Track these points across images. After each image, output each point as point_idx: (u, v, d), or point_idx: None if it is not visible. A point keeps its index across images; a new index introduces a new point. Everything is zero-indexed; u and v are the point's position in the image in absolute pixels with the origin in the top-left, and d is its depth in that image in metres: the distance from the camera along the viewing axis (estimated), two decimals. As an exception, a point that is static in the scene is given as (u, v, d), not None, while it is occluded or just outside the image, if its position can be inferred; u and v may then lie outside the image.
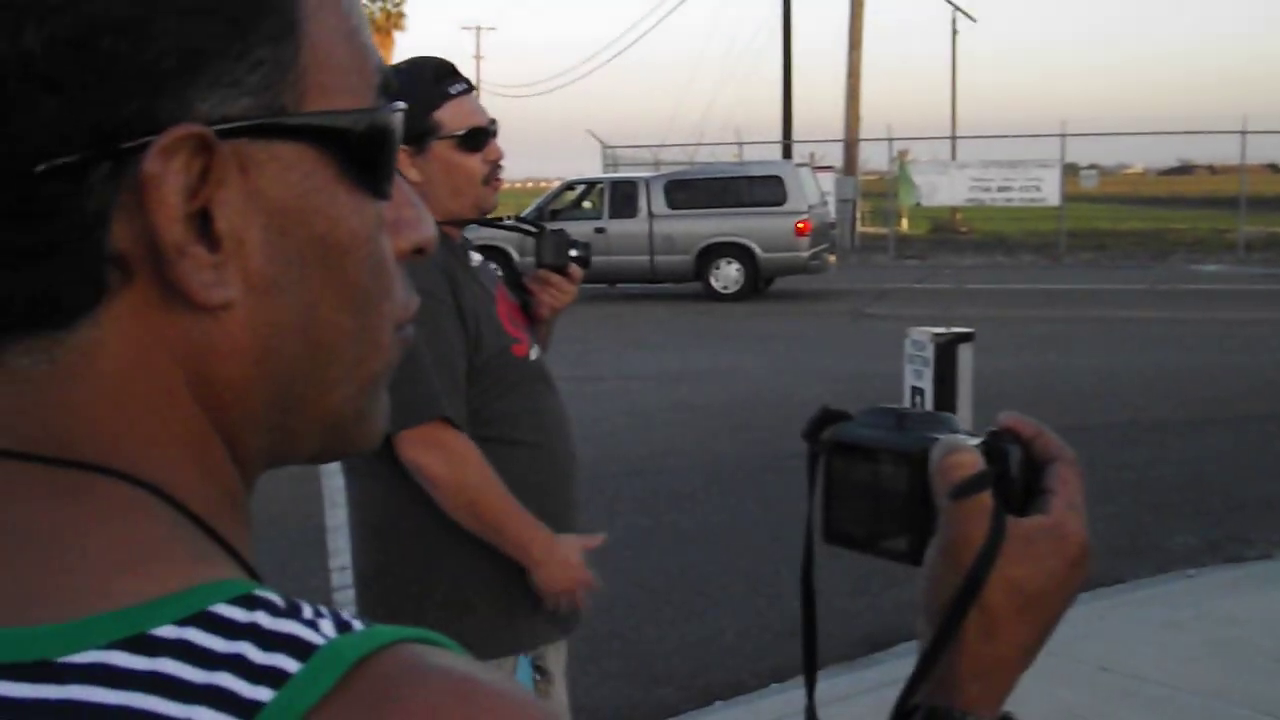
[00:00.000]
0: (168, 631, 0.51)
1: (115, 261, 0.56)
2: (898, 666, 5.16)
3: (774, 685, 5.10)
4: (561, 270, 2.83)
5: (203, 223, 0.57)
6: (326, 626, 0.53)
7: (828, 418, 0.90)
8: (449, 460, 2.44)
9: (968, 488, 0.80)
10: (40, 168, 0.54)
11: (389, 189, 0.64)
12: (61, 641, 0.51)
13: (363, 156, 0.62)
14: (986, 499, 0.80)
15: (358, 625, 0.54)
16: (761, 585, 6.23)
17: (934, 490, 0.82)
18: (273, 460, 0.64)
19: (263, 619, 0.53)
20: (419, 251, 0.67)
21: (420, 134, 2.52)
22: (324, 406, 0.63)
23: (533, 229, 2.95)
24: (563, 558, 2.54)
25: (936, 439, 0.83)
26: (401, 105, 0.65)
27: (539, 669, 2.65)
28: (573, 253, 2.85)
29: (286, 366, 0.61)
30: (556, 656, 2.72)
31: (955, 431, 0.85)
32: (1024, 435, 0.85)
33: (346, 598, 5.62)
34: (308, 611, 0.54)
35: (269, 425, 0.62)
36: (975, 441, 0.83)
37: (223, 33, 0.57)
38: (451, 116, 2.55)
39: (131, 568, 0.54)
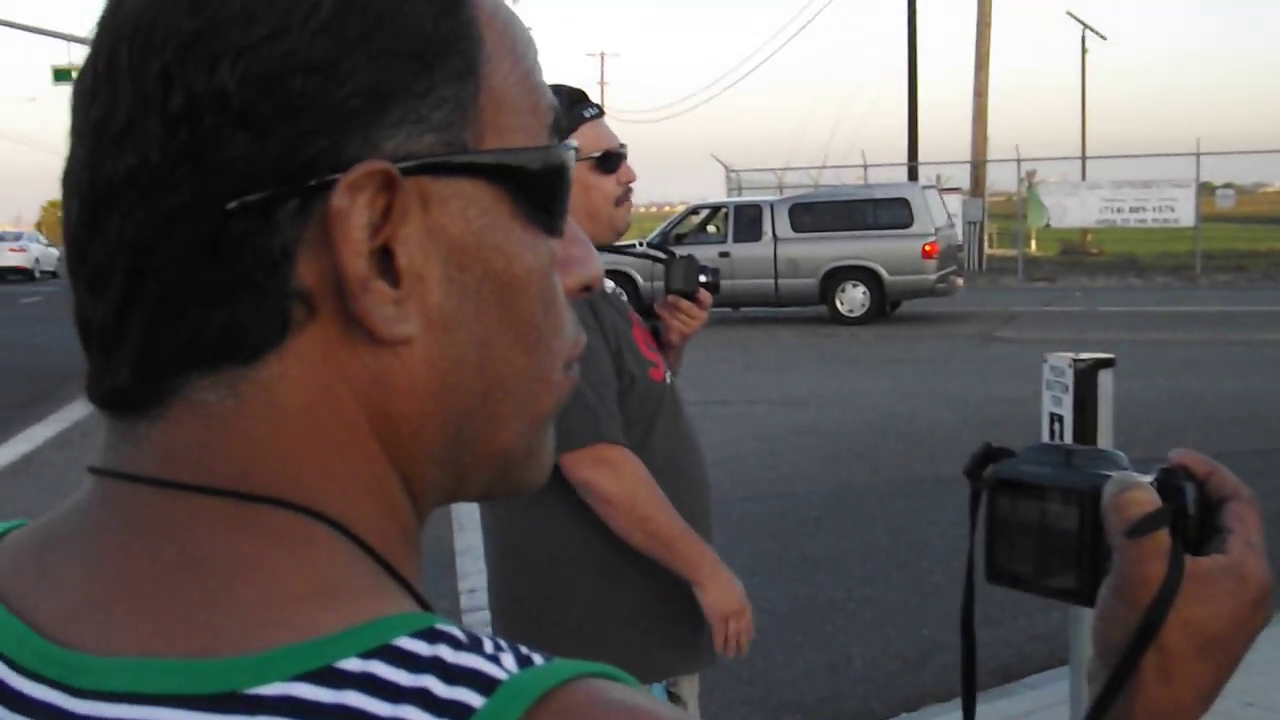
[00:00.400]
0: (352, 664, 0.52)
1: (300, 297, 0.57)
2: (1030, 698, 5.05)
3: (904, 715, 5.03)
4: (691, 296, 2.84)
5: (384, 258, 0.58)
6: (508, 660, 0.53)
7: (990, 454, 0.88)
8: (619, 478, 2.45)
9: (1144, 526, 0.78)
10: (231, 205, 0.55)
11: (562, 226, 0.64)
12: (248, 674, 0.52)
13: (538, 194, 0.62)
14: (1164, 538, 0.78)
15: (539, 659, 0.54)
16: (891, 612, 6.16)
17: (1107, 529, 0.80)
18: (444, 496, 0.65)
19: (445, 653, 0.53)
20: (586, 289, 0.68)
21: None
22: (495, 443, 0.64)
23: (662, 255, 2.96)
24: (729, 581, 2.53)
25: (1108, 476, 0.81)
26: (574, 144, 0.65)
27: (672, 695, 2.65)
28: (702, 278, 2.86)
29: (461, 402, 0.61)
30: (690, 684, 2.71)
31: (1125, 469, 0.83)
32: (1198, 472, 0.82)
33: (475, 620, 5.68)
34: (489, 645, 0.54)
35: (442, 461, 0.62)
36: (1149, 479, 0.81)
37: (409, 71, 0.58)
38: (586, 140, 2.57)
39: (314, 601, 0.55)
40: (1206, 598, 0.78)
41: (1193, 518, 0.80)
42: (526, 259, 0.62)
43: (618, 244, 2.78)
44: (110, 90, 0.58)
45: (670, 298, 2.85)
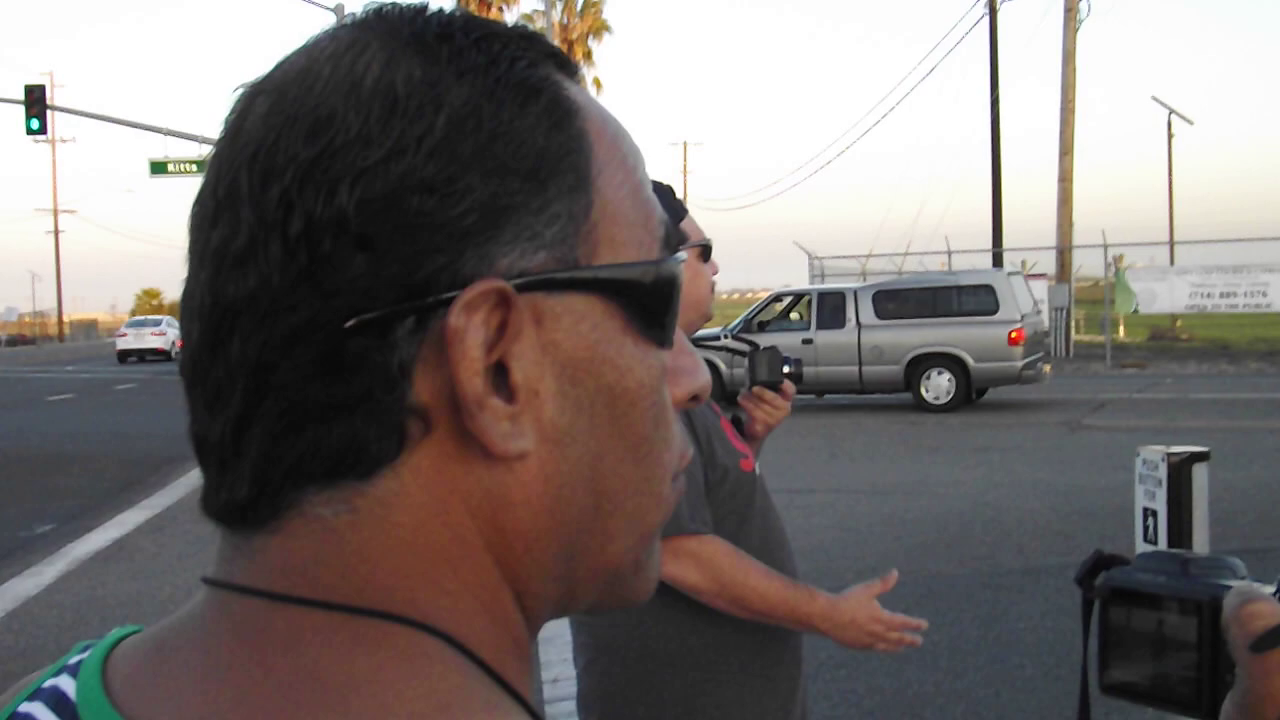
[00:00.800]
0: None
1: (417, 413, 0.57)
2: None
3: (998, 814, 4.90)
4: (775, 387, 2.84)
5: (499, 374, 0.58)
6: None
7: (1102, 562, 0.87)
8: (700, 567, 2.44)
9: (1270, 640, 0.76)
10: (349, 323, 0.56)
11: (672, 338, 0.65)
12: None
13: (650, 307, 0.63)
14: None
15: None
16: (981, 708, 6.03)
17: (1230, 641, 0.77)
18: (555, 610, 0.65)
19: None
20: (694, 399, 0.68)
21: (677, 240, 2.54)
22: (605, 557, 0.64)
23: (746, 347, 2.96)
24: (849, 618, 2.53)
25: (1228, 586, 0.79)
26: (683, 257, 0.66)
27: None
28: (786, 369, 2.86)
29: (574, 517, 0.61)
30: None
31: (1244, 578, 0.81)
32: None
33: (558, 710, 5.63)
34: None
35: (555, 575, 0.63)
36: (1271, 590, 0.79)
37: (523, 188, 0.59)
38: (691, 229, 2.59)
39: (430, 717, 0.55)
40: None
41: None
42: (638, 372, 0.62)
43: (701, 334, 2.79)
44: (231, 215, 0.59)
45: (755, 389, 2.85)
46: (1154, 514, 3.41)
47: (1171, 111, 44.14)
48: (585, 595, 0.65)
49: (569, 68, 0.65)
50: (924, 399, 19.42)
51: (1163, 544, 3.39)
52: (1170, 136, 44.14)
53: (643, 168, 0.65)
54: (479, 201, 0.57)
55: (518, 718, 0.57)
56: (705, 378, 0.68)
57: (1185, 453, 3.45)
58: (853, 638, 2.52)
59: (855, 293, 20.46)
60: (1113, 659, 0.85)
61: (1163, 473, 3.38)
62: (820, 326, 19.90)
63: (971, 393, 19.58)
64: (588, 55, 44.90)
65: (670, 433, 0.65)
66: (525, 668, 0.63)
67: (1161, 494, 3.39)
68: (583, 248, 0.60)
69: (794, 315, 21.18)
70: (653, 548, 0.67)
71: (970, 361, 19.19)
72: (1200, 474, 3.42)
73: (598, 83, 46.51)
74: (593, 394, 0.61)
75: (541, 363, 0.59)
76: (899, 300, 20.07)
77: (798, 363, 2.93)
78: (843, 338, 19.73)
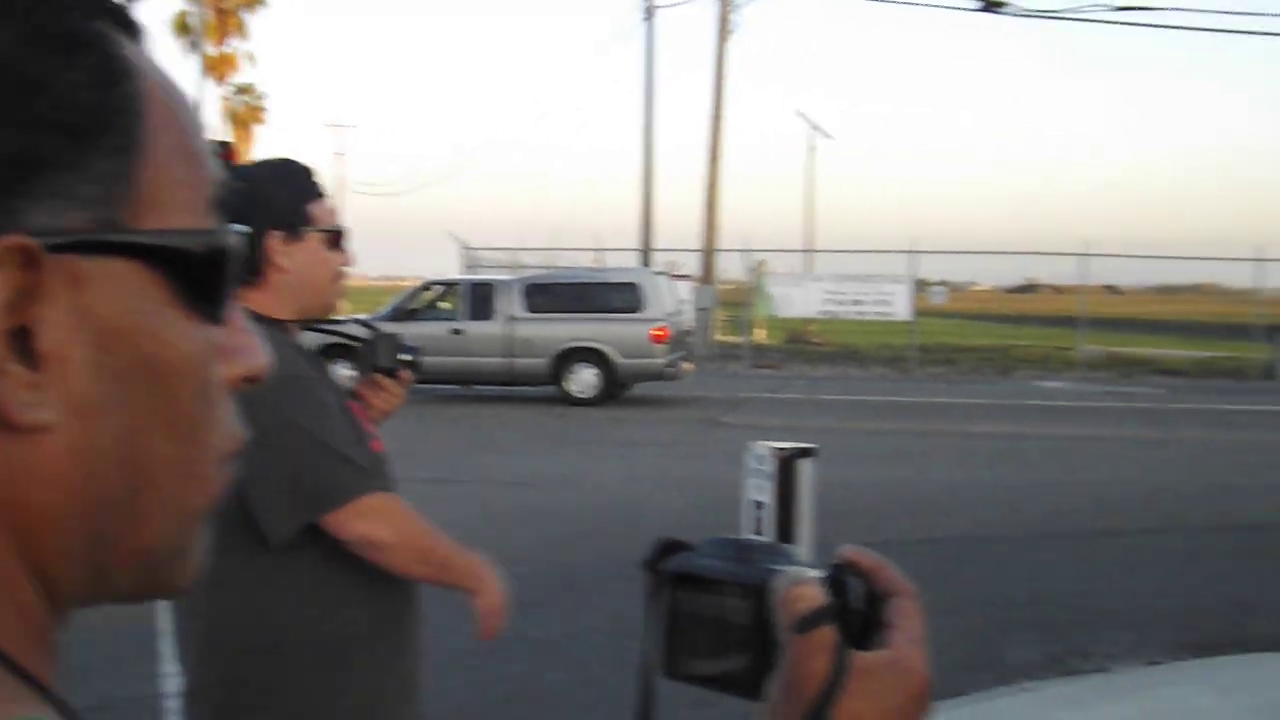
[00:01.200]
0: None
1: None
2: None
3: (619, 799, 5.02)
4: (393, 374, 2.82)
5: (23, 339, 0.54)
6: None
7: (668, 548, 0.89)
8: (391, 522, 2.46)
9: (810, 621, 0.79)
10: None
11: (224, 313, 0.62)
12: None
13: (199, 278, 0.60)
14: (829, 633, 0.79)
15: None
16: (607, 695, 6.16)
17: (778, 623, 0.81)
18: (85, 596, 0.61)
19: None
20: (250, 380, 0.65)
21: (295, 222, 2.50)
22: (140, 540, 0.60)
23: (362, 334, 2.92)
24: (494, 579, 2.65)
25: (779, 571, 0.82)
26: (242, 228, 0.64)
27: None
28: (404, 357, 2.84)
29: (104, 496, 0.58)
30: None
31: (797, 563, 0.84)
32: (865, 568, 0.85)
33: (173, 704, 5.41)
34: None
35: (81, 558, 0.59)
36: (817, 574, 0.82)
37: (63, 144, 0.55)
38: (321, 214, 2.55)
39: None
40: (869, 692, 0.79)
41: (858, 613, 0.82)
42: (183, 347, 0.59)
43: (326, 320, 2.75)
44: None
45: (373, 375, 2.82)
46: (762, 505, 3.59)
47: (814, 126, 46.37)
48: (120, 581, 0.62)
49: (130, 27, 0.62)
50: (569, 392, 19.71)
51: (770, 535, 3.57)
52: (811, 150, 46.35)
53: (201, 135, 0.63)
54: (8, 153, 0.54)
55: (30, 706, 0.54)
56: (262, 357, 0.66)
57: (793, 448, 3.64)
58: (494, 601, 2.63)
59: (506, 284, 20.57)
60: (678, 643, 0.87)
61: (771, 467, 3.57)
62: (471, 317, 19.89)
63: (616, 388, 20.01)
64: (240, 27, 43.42)
65: (219, 413, 0.63)
66: (48, 657, 0.59)
67: (770, 487, 3.57)
68: (128, 211, 0.57)
69: (444, 305, 21.09)
70: (196, 534, 0.64)
71: (615, 357, 19.60)
72: (806, 469, 3.62)
73: (251, 57, 45.06)
74: (130, 366, 0.57)
75: (73, 329, 0.56)
76: (548, 294, 20.30)
77: (416, 350, 2.92)
78: (492, 329, 19.80)
